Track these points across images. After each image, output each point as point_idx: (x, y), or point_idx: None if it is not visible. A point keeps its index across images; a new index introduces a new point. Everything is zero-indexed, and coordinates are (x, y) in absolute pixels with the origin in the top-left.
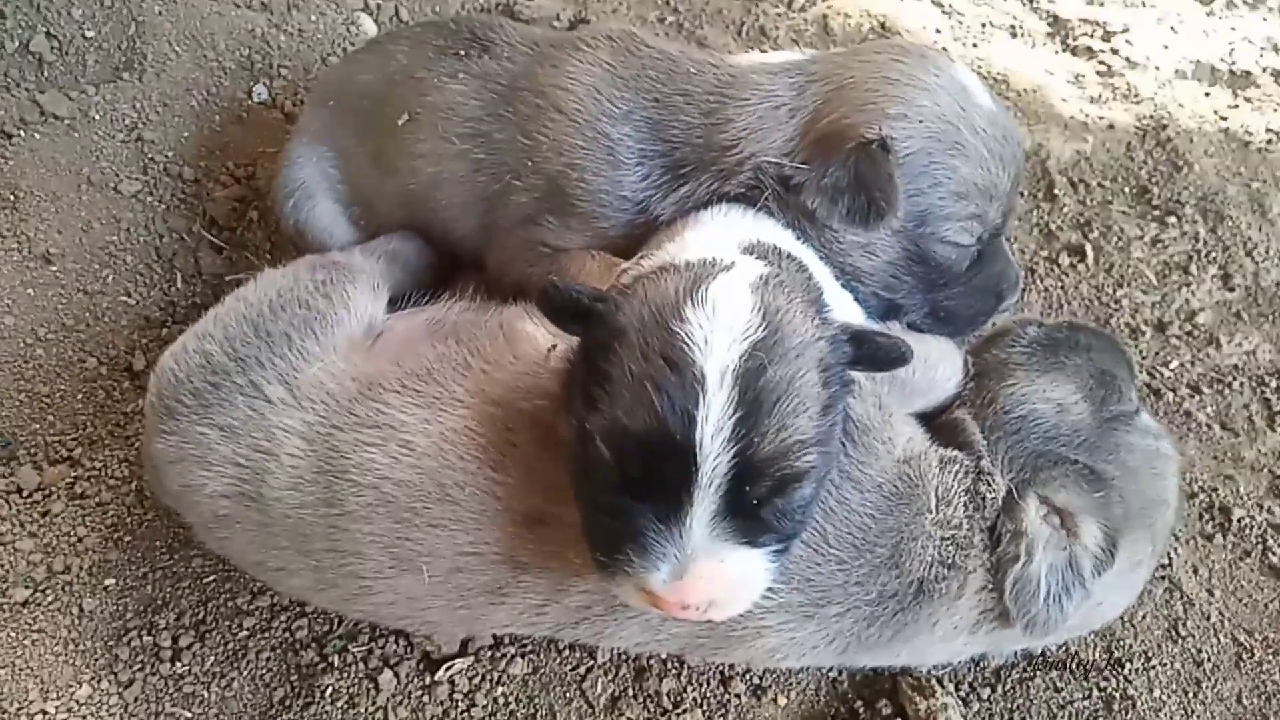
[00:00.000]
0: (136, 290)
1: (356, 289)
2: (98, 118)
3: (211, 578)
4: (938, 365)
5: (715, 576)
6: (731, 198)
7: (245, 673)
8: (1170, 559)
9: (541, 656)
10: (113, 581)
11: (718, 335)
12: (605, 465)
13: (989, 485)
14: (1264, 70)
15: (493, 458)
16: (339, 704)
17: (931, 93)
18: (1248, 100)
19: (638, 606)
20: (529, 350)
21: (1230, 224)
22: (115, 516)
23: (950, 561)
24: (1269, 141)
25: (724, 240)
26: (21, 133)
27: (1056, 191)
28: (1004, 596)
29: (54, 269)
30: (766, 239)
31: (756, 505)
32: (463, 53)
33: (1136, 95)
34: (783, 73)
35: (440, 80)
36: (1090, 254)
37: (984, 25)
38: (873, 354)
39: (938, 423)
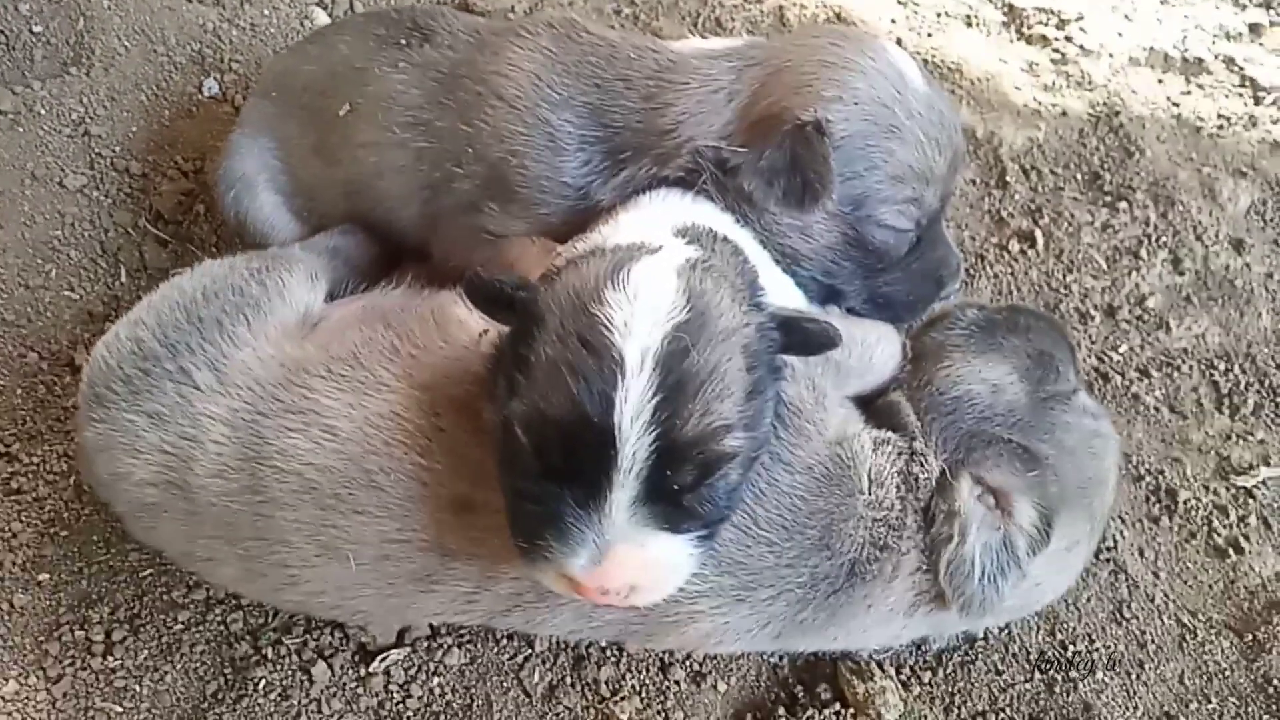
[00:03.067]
0: (80, 285)
1: (292, 277)
2: (44, 112)
3: (148, 572)
4: (874, 348)
5: (635, 562)
6: (671, 182)
7: (178, 666)
8: (1116, 542)
9: (479, 646)
10: (46, 577)
11: (638, 317)
12: (525, 452)
13: (922, 466)
14: (1215, 57)
15: (419, 443)
16: (271, 696)
17: (867, 76)
18: (1200, 87)
19: (560, 593)
20: (459, 335)
21: (1181, 209)
22: (52, 511)
23: (882, 543)
24: (1220, 127)
25: (658, 223)
26: None
27: (1008, 179)
28: (938, 577)
29: None
30: (703, 223)
31: (679, 490)
32: (404, 42)
33: (1090, 82)
34: (721, 58)
35: (381, 69)
36: (1040, 240)
37: (939, 15)
38: (802, 340)
39: (874, 406)
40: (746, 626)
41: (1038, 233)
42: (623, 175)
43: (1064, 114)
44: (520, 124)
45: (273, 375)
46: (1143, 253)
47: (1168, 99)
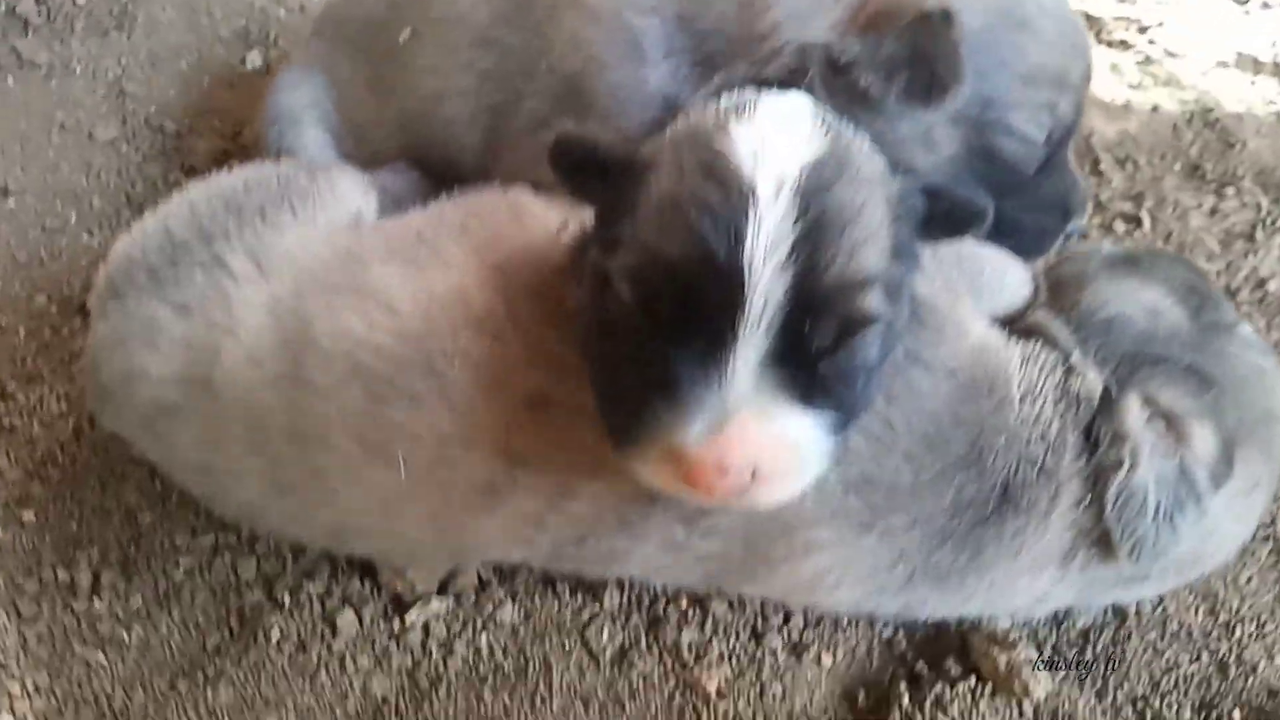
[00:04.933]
0: (100, 231)
1: (345, 178)
2: (79, 69)
3: (147, 514)
4: (1007, 269)
5: (761, 435)
6: (770, 84)
7: (175, 615)
8: (1274, 518)
9: (536, 601)
10: (30, 516)
11: (771, 147)
12: (629, 311)
13: (1081, 381)
14: None
15: (489, 327)
16: (285, 649)
17: None
18: None
19: (662, 486)
20: (535, 227)
21: None
22: (45, 452)
23: (1040, 464)
24: None
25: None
26: None
27: (1103, 168)
28: (1105, 513)
29: (10, 204)
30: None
31: (815, 354)
32: None
33: (1179, 83)
34: None
35: None
36: (1147, 221)
37: None
38: (949, 209)
39: (1016, 328)
40: (871, 563)
41: (1143, 214)
42: (714, 82)
43: (1155, 109)
44: (600, 31)
45: (320, 258)
46: (1258, 236)
47: (1264, 99)
